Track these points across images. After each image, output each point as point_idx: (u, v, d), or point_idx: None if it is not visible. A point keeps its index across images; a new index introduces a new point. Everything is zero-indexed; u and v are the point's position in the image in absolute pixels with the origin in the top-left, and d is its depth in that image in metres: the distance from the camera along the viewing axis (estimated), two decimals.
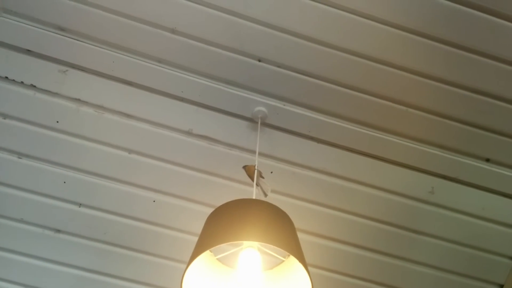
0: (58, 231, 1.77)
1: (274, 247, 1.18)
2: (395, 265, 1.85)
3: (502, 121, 1.65)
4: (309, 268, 1.21)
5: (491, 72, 1.57)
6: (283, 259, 1.38)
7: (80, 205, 1.74)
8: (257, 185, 1.48)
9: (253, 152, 1.65)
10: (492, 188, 1.77)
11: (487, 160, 1.73)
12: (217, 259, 1.40)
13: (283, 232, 1.25)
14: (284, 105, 1.64)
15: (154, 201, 1.74)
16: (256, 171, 1.49)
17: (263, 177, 1.49)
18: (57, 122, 1.64)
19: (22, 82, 1.60)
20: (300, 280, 1.28)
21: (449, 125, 1.66)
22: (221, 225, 1.25)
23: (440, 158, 1.71)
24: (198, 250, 1.22)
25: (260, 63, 1.57)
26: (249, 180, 1.63)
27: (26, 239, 1.77)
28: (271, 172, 1.72)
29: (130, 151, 1.69)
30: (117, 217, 1.76)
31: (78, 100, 1.63)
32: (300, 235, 1.33)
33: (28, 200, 1.73)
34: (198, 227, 1.36)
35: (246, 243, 1.35)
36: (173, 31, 1.53)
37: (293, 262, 1.33)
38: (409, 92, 1.61)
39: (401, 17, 1.48)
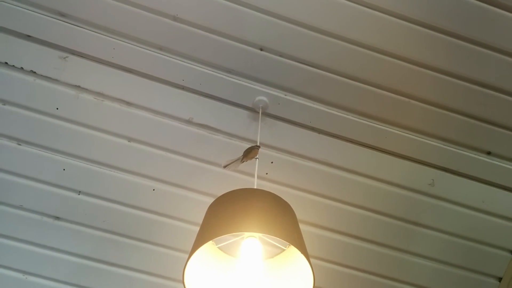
0: (57, 218, 1.77)
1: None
2: (394, 256, 1.85)
3: (504, 114, 1.65)
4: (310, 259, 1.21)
5: (494, 64, 1.56)
6: (284, 248, 1.38)
7: (79, 192, 1.74)
8: (242, 161, 1.48)
9: (254, 142, 1.64)
10: (493, 181, 1.77)
11: (488, 153, 1.72)
12: (218, 247, 1.40)
13: (285, 222, 1.25)
14: (285, 95, 1.63)
15: (153, 190, 1.74)
16: (256, 159, 1.48)
17: (257, 158, 1.48)
18: (57, 109, 1.63)
19: (22, 68, 1.59)
20: (302, 269, 1.28)
21: (451, 117, 1.65)
22: (223, 215, 1.25)
23: (441, 151, 1.71)
24: (200, 240, 1.22)
25: (262, 52, 1.56)
26: (250, 170, 1.62)
27: (25, 226, 1.77)
28: (272, 162, 1.71)
29: (130, 139, 1.68)
30: (116, 205, 1.75)
31: (78, 87, 1.62)
32: (299, 226, 1.33)
33: (27, 187, 1.72)
34: (197, 216, 1.36)
35: (247, 232, 1.34)
36: (174, 18, 1.51)
37: (294, 251, 1.33)
38: (411, 84, 1.60)
39: (405, 7, 1.47)
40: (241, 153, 1.52)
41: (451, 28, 1.50)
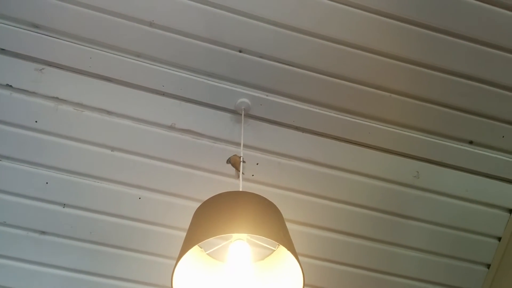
0: (43, 232, 1.74)
1: (264, 238, 1.17)
2: (383, 250, 1.86)
3: (483, 103, 1.67)
4: (298, 257, 1.21)
5: (470, 54, 1.58)
6: (274, 248, 1.38)
7: (64, 205, 1.71)
8: (238, 172, 1.48)
9: (238, 144, 1.63)
10: (476, 170, 1.79)
11: (470, 142, 1.74)
12: (208, 254, 1.39)
13: (272, 222, 1.25)
14: (267, 95, 1.63)
15: (139, 198, 1.72)
16: (241, 162, 1.48)
17: (244, 161, 1.48)
18: (36, 122, 1.60)
19: None
20: (291, 270, 1.28)
21: (432, 109, 1.67)
22: (209, 218, 1.24)
23: (424, 142, 1.73)
24: (186, 245, 1.21)
25: (241, 54, 1.56)
26: (235, 172, 1.62)
27: (10, 242, 1.73)
28: (257, 164, 1.71)
29: (112, 148, 1.66)
30: (102, 216, 1.73)
31: (56, 99, 1.59)
32: (287, 225, 1.32)
33: (10, 203, 1.69)
34: (185, 222, 1.35)
35: (235, 235, 1.34)
36: (151, 24, 1.50)
37: (283, 252, 1.33)
38: (391, 78, 1.61)
39: (377, 1, 1.48)
40: (225, 156, 1.52)
41: (423, 20, 1.51)
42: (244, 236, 1.34)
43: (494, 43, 1.56)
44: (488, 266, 1.92)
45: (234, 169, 1.48)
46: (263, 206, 1.29)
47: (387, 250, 1.86)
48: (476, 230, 1.87)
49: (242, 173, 1.48)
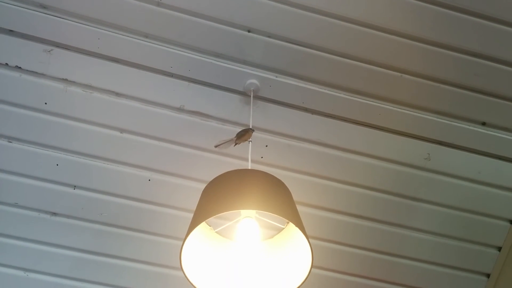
0: (54, 214, 1.76)
1: (272, 215, 1.17)
2: (394, 232, 1.85)
3: (497, 83, 1.64)
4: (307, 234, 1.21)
5: (484, 33, 1.54)
6: (283, 226, 1.38)
7: (74, 187, 1.72)
8: (235, 143, 1.47)
9: (247, 126, 1.62)
10: (488, 152, 1.76)
11: (483, 123, 1.71)
12: (216, 232, 1.39)
13: (280, 199, 1.25)
14: (276, 76, 1.61)
15: (149, 180, 1.72)
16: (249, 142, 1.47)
17: (250, 141, 1.48)
18: (45, 103, 1.61)
19: (6, 64, 1.56)
20: (300, 247, 1.28)
21: (444, 89, 1.64)
22: (217, 196, 1.25)
23: (436, 124, 1.70)
24: (195, 222, 1.21)
25: (250, 34, 1.54)
26: (245, 154, 1.61)
27: (22, 223, 1.76)
28: (266, 146, 1.70)
29: (121, 130, 1.66)
30: (112, 198, 1.74)
31: (65, 80, 1.59)
32: (298, 207, 1.32)
33: (21, 184, 1.70)
34: (194, 204, 1.35)
35: (243, 213, 1.34)
36: (158, 3, 1.48)
37: (292, 231, 1.33)
38: (403, 58, 1.59)
39: None
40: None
41: None
42: (252, 214, 1.34)
43: (510, 21, 1.52)
44: (499, 248, 1.90)
45: (237, 138, 1.47)
46: (272, 184, 1.29)
47: (398, 232, 1.85)
48: (487, 213, 1.85)
49: (228, 143, 1.48)
